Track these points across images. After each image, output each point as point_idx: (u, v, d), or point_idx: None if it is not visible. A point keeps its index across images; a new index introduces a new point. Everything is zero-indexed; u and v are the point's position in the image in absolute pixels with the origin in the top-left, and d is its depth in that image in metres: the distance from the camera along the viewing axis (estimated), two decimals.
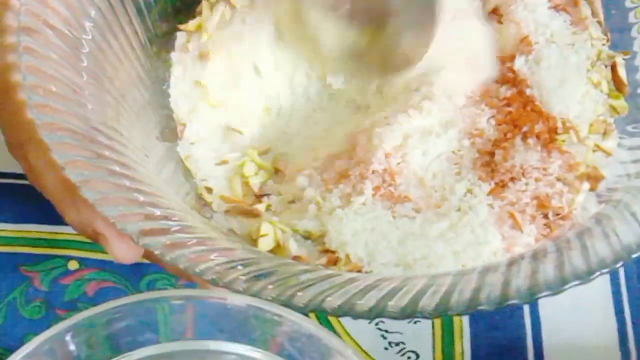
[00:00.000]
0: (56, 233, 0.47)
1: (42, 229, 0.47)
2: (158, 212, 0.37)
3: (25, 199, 0.48)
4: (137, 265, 0.45)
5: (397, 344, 0.44)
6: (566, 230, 0.38)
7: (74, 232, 0.46)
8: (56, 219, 0.46)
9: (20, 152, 0.40)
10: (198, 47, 0.47)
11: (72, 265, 0.46)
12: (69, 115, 0.39)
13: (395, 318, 0.33)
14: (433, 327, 0.44)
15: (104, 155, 0.38)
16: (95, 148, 0.38)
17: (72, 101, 0.39)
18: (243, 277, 0.34)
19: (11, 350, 0.36)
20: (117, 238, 0.37)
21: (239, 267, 0.34)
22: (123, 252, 0.38)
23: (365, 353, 0.44)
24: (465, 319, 0.45)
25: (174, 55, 0.47)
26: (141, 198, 0.37)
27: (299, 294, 0.33)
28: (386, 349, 0.44)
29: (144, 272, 0.46)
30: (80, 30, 0.42)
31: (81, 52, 0.42)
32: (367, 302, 0.33)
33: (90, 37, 0.43)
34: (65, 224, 0.46)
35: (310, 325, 0.33)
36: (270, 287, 0.33)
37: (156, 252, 0.34)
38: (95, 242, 0.39)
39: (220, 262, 0.34)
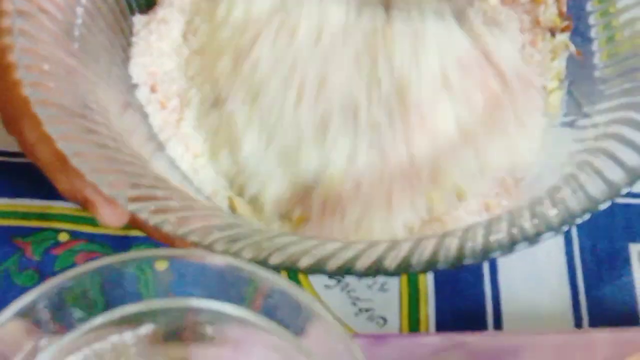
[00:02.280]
0: (47, 207, 0.50)
1: (34, 204, 0.50)
2: (144, 181, 0.40)
3: (18, 176, 0.51)
4: (124, 237, 0.49)
5: (367, 310, 0.47)
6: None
7: (64, 206, 0.50)
8: (47, 194, 0.50)
9: (16, 127, 0.43)
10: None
11: (63, 237, 0.49)
12: (61, 93, 0.42)
13: (361, 276, 0.36)
14: (400, 294, 0.47)
15: (94, 129, 0.41)
16: (85, 123, 0.41)
17: (64, 80, 0.42)
18: (222, 240, 0.37)
19: None
20: (105, 204, 0.40)
21: (218, 231, 0.37)
22: (110, 217, 0.41)
23: (338, 318, 0.47)
24: (431, 288, 0.48)
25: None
26: (128, 169, 0.40)
27: (274, 254, 0.36)
28: (356, 314, 0.47)
29: (131, 244, 0.49)
30: (72, 14, 0.45)
31: (73, 35, 0.45)
32: (336, 262, 0.36)
33: (80, 21, 0.46)
34: (56, 199, 0.49)
35: (283, 282, 0.36)
36: (247, 248, 0.36)
37: (141, 217, 0.37)
38: (84, 208, 0.42)
39: (201, 226, 0.37)
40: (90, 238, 0.49)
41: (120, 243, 0.49)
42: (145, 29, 0.48)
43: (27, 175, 0.50)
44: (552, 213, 0.37)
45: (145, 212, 0.37)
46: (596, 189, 0.38)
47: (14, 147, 0.49)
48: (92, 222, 0.49)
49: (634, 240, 0.49)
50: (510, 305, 0.47)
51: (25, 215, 0.50)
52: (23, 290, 0.47)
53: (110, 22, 0.48)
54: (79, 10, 0.46)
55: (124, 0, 0.49)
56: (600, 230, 0.49)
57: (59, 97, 0.41)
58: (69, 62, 0.44)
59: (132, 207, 0.37)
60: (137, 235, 0.48)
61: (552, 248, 0.48)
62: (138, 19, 0.49)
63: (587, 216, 0.37)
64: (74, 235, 0.49)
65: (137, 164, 0.41)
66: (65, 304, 0.37)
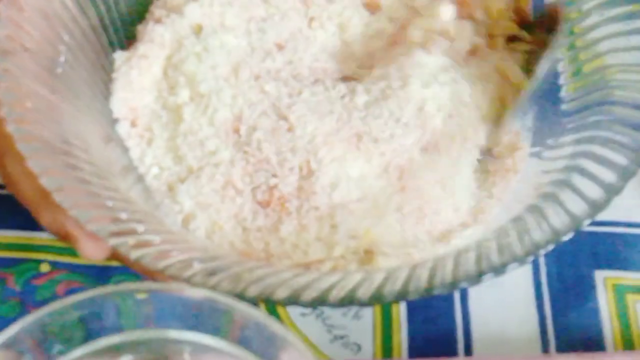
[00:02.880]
0: (29, 238, 0.51)
1: (16, 235, 0.51)
2: (125, 216, 0.41)
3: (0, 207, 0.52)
4: (104, 268, 0.50)
5: (341, 337, 0.48)
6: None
7: (45, 237, 0.51)
8: (29, 226, 0.51)
9: (1, 163, 0.44)
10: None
11: (44, 267, 0.50)
12: (43, 129, 0.43)
13: (335, 307, 0.37)
14: (374, 321, 0.49)
15: (75, 165, 0.42)
16: (67, 159, 0.42)
17: (46, 116, 0.44)
18: (200, 273, 0.38)
19: None
20: (86, 238, 0.41)
21: (197, 264, 0.39)
22: (92, 251, 0.42)
23: (314, 346, 0.48)
24: (403, 315, 0.49)
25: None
26: (109, 203, 0.41)
27: (250, 287, 0.37)
28: (331, 341, 0.48)
29: (111, 274, 0.50)
30: (54, 52, 0.47)
31: (55, 72, 0.46)
32: (310, 293, 0.37)
33: (63, 58, 0.47)
34: (38, 230, 0.50)
35: (257, 314, 0.37)
36: (224, 281, 0.38)
37: (122, 251, 0.38)
38: (66, 242, 0.43)
39: (180, 259, 0.39)
40: (71, 268, 0.50)
41: (100, 273, 0.50)
42: (126, 65, 0.50)
43: (8, 207, 0.51)
44: (517, 245, 0.39)
45: (126, 247, 0.38)
46: (559, 221, 0.39)
47: None
48: (73, 252, 0.50)
49: (599, 267, 0.51)
50: (480, 331, 0.48)
51: (7, 246, 0.51)
52: (5, 320, 0.48)
53: (92, 59, 0.49)
54: (62, 48, 0.47)
55: (105, 37, 0.51)
56: (567, 257, 0.51)
57: (41, 133, 0.42)
58: (50, 99, 0.45)
59: (113, 241, 0.39)
60: (118, 266, 0.49)
61: (520, 275, 0.50)
62: (119, 55, 0.50)
63: (550, 247, 0.39)
64: (55, 265, 0.50)
65: (118, 198, 0.43)
66: (47, 336, 0.38)
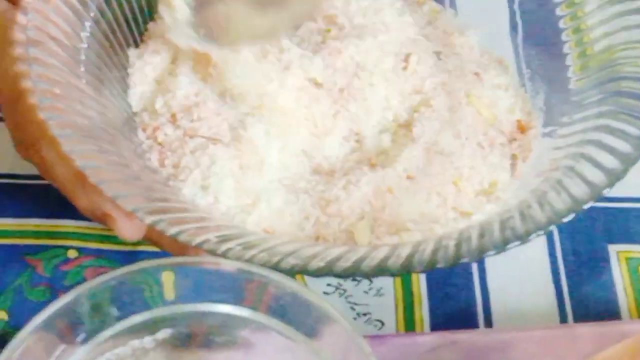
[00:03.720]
0: (55, 225, 0.52)
1: (43, 223, 0.52)
2: (157, 195, 0.42)
3: (26, 197, 0.53)
4: (132, 252, 0.51)
5: (364, 314, 0.50)
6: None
7: (72, 224, 0.52)
8: (56, 214, 0.52)
9: (33, 149, 0.45)
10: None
11: (72, 253, 0.51)
12: (73, 114, 0.44)
13: (367, 277, 0.39)
14: (395, 298, 0.50)
15: (107, 149, 0.44)
16: (98, 142, 0.44)
17: (75, 102, 0.45)
18: (236, 247, 0.39)
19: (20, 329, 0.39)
20: (123, 218, 0.43)
21: (232, 240, 0.40)
22: (128, 230, 0.43)
23: None
24: (424, 291, 0.50)
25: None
26: (140, 184, 0.43)
27: (286, 259, 0.39)
28: (355, 319, 0.49)
29: (138, 259, 0.51)
30: (77, 40, 0.48)
31: (80, 59, 0.47)
32: (343, 264, 0.39)
33: (86, 45, 0.48)
34: (64, 217, 0.52)
35: (295, 285, 0.38)
36: (260, 254, 0.39)
37: (159, 228, 0.40)
38: (103, 223, 0.44)
39: (216, 235, 0.40)
40: (99, 254, 0.51)
41: (128, 258, 0.51)
42: (140, 61, 0.51)
43: (34, 196, 0.52)
44: (539, 214, 0.40)
45: (163, 224, 0.40)
46: (579, 190, 0.41)
47: (21, 169, 0.52)
48: (100, 238, 0.51)
49: (612, 241, 0.52)
50: (499, 304, 0.50)
51: (35, 234, 0.52)
52: (36, 305, 0.49)
53: (111, 50, 0.51)
54: (84, 35, 0.49)
55: (121, 33, 0.52)
56: (581, 233, 0.52)
57: (72, 119, 0.44)
58: (77, 84, 0.46)
59: (150, 219, 0.40)
60: (145, 250, 0.50)
61: (536, 251, 0.51)
62: (132, 52, 0.52)
63: (571, 216, 0.40)
64: (83, 251, 0.51)
65: (148, 179, 0.44)
66: (79, 317, 0.39)
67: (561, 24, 0.54)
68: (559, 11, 0.55)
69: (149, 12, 0.54)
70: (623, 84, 0.47)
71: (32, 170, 0.49)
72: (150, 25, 0.53)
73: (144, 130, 0.49)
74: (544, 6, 0.55)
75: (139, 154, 0.48)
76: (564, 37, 0.54)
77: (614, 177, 0.41)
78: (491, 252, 0.39)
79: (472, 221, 0.45)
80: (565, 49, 0.54)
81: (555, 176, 0.44)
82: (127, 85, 0.51)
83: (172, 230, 0.39)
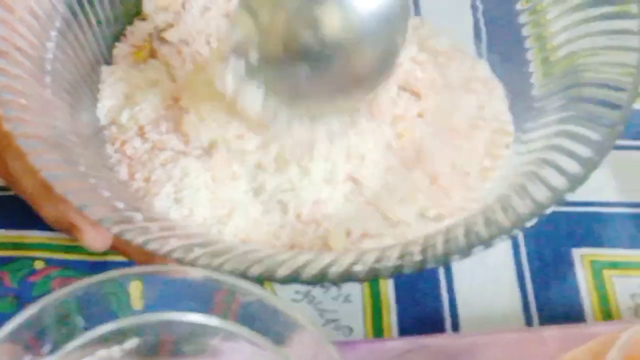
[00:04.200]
0: (22, 237, 0.52)
1: (8, 234, 0.52)
2: (121, 205, 0.42)
3: None
4: (99, 263, 0.51)
5: (333, 321, 0.50)
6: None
7: (38, 235, 0.52)
8: (21, 224, 0.52)
9: (1, 162, 0.45)
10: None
11: (38, 264, 0.51)
12: (39, 125, 0.44)
13: (334, 283, 0.39)
14: (364, 305, 0.50)
15: (72, 159, 0.44)
16: (64, 153, 0.44)
17: (41, 112, 0.45)
18: (204, 255, 0.39)
19: None
20: (89, 228, 0.43)
21: (199, 248, 0.40)
22: (94, 240, 0.43)
23: None
24: (392, 297, 0.50)
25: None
26: (106, 194, 0.43)
27: (253, 266, 0.39)
28: (323, 325, 0.50)
29: (107, 268, 0.50)
30: (43, 50, 0.48)
31: (45, 69, 0.47)
32: (310, 271, 0.39)
33: (52, 56, 0.48)
34: (30, 228, 0.51)
35: (263, 292, 0.38)
36: (227, 262, 0.39)
37: (126, 238, 0.40)
38: (69, 233, 0.44)
39: (183, 244, 0.40)
40: (66, 264, 0.51)
41: (95, 268, 0.50)
42: (111, 77, 0.51)
43: (1, 208, 0.52)
44: (503, 219, 0.41)
45: (130, 233, 0.40)
46: (542, 195, 0.42)
47: None
48: (66, 249, 0.51)
49: (575, 245, 0.53)
50: (465, 309, 0.50)
51: (1, 245, 0.51)
52: (3, 316, 0.49)
53: (77, 66, 0.51)
54: (49, 45, 0.49)
55: (88, 48, 0.52)
56: (545, 237, 0.53)
57: (38, 129, 0.44)
58: (43, 95, 0.46)
59: (116, 229, 0.40)
60: (113, 260, 0.50)
61: (501, 255, 0.52)
62: (105, 69, 0.52)
63: (534, 220, 0.41)
64: (49, 262, 0.51)
65: (113, 189, 0.44)
66: (45, 328, 0.38)
67: (524, 31, 0.55)
68: (522, 19, 0.56)
69: (116, 34, 0.54)
70: (585, 90, 0.48)
71: None
72: (119, 45, 0.54)
73: (112, 143, 0.49)
74: (507, 13, 0.56)
75: (108, 167, 0.48)
76: (527, 44, 0.55)
77: (576, 182, 0.42)
78: (456, 257, 0.40)
79: (439, 226, 0.45)
80: (529, 55, 0.55)
81: (518, 181, 0.45)
82: (97, 99, 0.51)
83: (138, 239, 0.40)
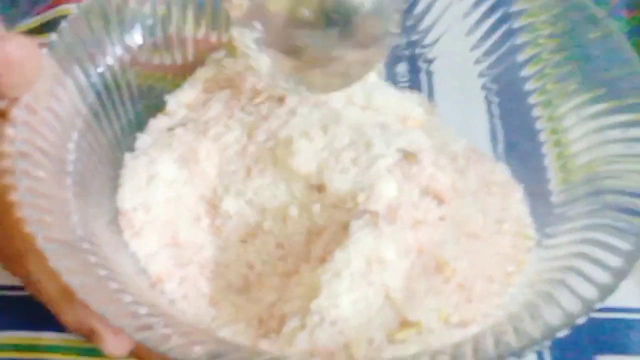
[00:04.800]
0: (36, 339, 0.51)
1: (23, 335, 0.51)
2: (143, 311, 0.42)
3: (6, 309, 0.52)
4: None
5: None
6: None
7: (52, 337, 0.51)
8: (36, 325, 0.51)
9: (18, 262, 0.44)
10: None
11: None
12: (59, 227, 0.44)
13: None
14: None
15: (92, 262, 0.43)
16: (84, 256, 0.43)
17: (61, 214, 0.45)
18: None
19: None
20: (109, 334, 0.42)
21: (224, 356, 0.39)
22: (115, 347, 0.42)
23: None
24: None
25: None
26: (128, 299, 0.42)
27: None
28: None
29: None
30: (64, 150, 0.48)
31: (66, 171, 0.47)
32: None
33: (73, 157, 0.48)
34: (45, 330, 0.50)
35: None
36: None
37: (149, 345, 0.39)
38: (89, 339, 0.43)
39: (208, 351, 0.39)
40: None
41: None
42: (134, 162, 0.51)
43: (15, 308, 0.51)
44: (533, 329, 0.40)
45: (152, 341, 0.39)
46: (572, 305, 0.41)
47: (3, 280, 0.51)
48: (81, 352, 0.50)
49: (600, 351, 0.52)
50: None
51: (15, 347, 0.50)
52: None
53: (96, 162, 0.51)
54: (70, 146, 0.49)
55: (110, 149, 0.52)
56: (569, 344, 0.52)
57: (59, 233, 0.43)
58: (63, 196, 0.46)
59: (139, 336, 0.39)
60: None
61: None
62: (128, 156, 0.52)
63: (565, 331, 0.40)
64: None
65: (135, 293, 0.43)
66: None
67: (542, 137, 0.55)
68: (538, 125, 0.56)
69: (138, 121, 0.55)
70: (608, 197, 0.48)
71: (13, 281, 0.48)
72: (141, 137, 0.54)
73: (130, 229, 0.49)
74: (524, 119, 0.56)
75: (125, 255, 0.48)
76: (544, 150, 0.55)
77: (607, 292, 0.41)
78: None
79: (466, 333, 0.44)
80: (547, 161, 0.55)
81: (545, 289, 0.44)
82: (116, 186, 0.51)
83: (162, 348, 0.39)
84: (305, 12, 0.47)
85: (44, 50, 0.48)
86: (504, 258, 0.49)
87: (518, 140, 0.57)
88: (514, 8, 0.58)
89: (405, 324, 0.45)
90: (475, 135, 0.58)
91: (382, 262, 0.48)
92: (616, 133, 0.51)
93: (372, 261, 0.47)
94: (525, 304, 0.44)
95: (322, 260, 0.47)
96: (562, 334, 0.40)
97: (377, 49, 0.51)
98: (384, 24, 0.49)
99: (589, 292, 0.41)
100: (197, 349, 0.39)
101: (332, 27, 0.48)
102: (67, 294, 0.41)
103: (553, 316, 0.41)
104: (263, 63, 0.51)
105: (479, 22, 0.59)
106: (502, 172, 0.55)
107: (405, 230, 0.49)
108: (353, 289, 0.46)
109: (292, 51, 0.49)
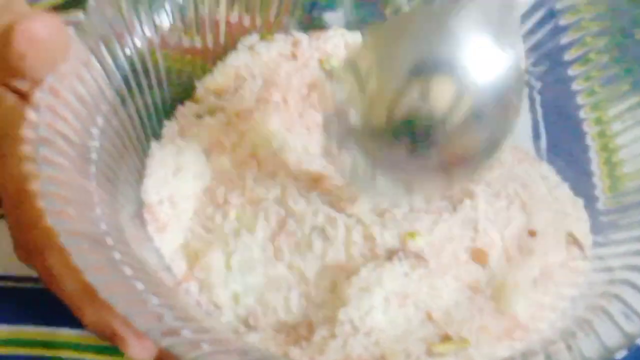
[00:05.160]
0: (51, 334, 0.48)
1: (37, 330, 0.48)
2: (170, 314, 0.39)
3: (20, 301, 0.49)
4: None
5: None
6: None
7: (68, 333, 0.48)
8: (50, 320, 0.48)
9: (37, 256, 0.42)
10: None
11: None
12: (82, 220, 0.41)
13: None
14: None
15: (118, 259, 0.40)
16: (109, 252, 0.40)
17: (84, 206, 0.42)
18: None
19: None
20: (133, 338, 0.39)
21: None
22: (140, 352, 0.40)
23: None
24: None
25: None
26: (155, 301, 0.39)
27: None
28: None
29: None
30: (88, 136, 0.45)
31: (91, 159, 0.44)
32: None
33: (98, 144, 0.45)
34: (61, 325, 0.48)
35: None
36: None
37: (176, 352, 0.36)
38: (111, 342, 0.40)
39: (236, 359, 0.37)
40: None
41: None
42: (160, 152, 0.49)
43: (29, 301, 0.49)
44: (587, 345, 0.38)
45: (180, 348, 0.36)
46: (610, 337, 0.38)
47: (17, 271, 0.49)
48: (97, 349, 0.48)
49: None
50: None
51: (28, 343, 0.48)
52: None
53: (126, 143, 0.48)
54: (94, 132, 0.46)
55: (140, 124, 0.49)
56: None
57: (82, 226, 0.40)
58: (85, 186, 0.43)
59: (165, 342, 0.36)
60: None
61: None
62: (155, 145, 0.49)
63: (624, 350, 0.37)
64: None
65: (161, 294, 0.40)
66: None
67: (588, 141, 0.53)
68: (585, 127, 0.53)
69: (165, 107, 0.52)
70: None
71: (28, 271, 0.45)
72: (168, 124, 0.51)
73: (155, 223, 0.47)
74: (570, 120, 0.54)
75: (149, 251, 0.45)
76: (591, 154, 0.52)
77: None
78: None
79: (513, 348, 0.42)
80: (593, 167, 0.52)
81: (600, 303, 0.41)
82: (141, 176, 0.48)
83: (189, 356, 0.36)
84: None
85: (71, 30, 0.45)
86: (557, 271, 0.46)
87: (562, 142, 0.54)
88: (560, 5, 0.55)
89: (447, 338, 0.42)
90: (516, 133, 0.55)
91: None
92: None
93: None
94: (578, 319, 0.41)
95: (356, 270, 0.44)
96: (619, 354, 0.37)
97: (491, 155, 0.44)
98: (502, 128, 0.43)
99: (632, 326, 0.38)
100: (227, 358, 0.36)
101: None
102: (89, 292, 0.39)
103: (608, 334, 0.38)
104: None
105: (524, 17, 0.56)
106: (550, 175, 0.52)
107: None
108: (387, 306, 0.44)
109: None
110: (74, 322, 0.43)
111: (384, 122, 0.41)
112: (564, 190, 0.50)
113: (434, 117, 0.41)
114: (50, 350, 0.48)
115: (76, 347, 0.48)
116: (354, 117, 0.42)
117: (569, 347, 0.38)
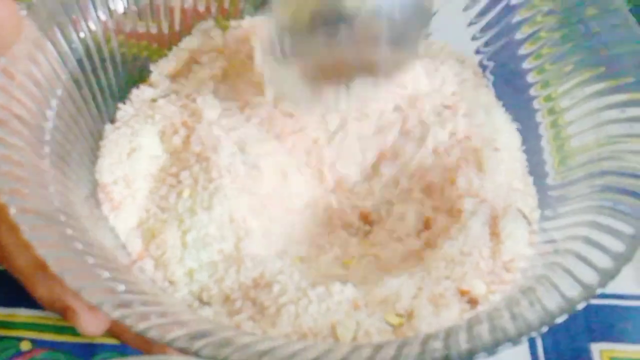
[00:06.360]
0: (9, 315, 0.49)
1: None
2: (122, 287, 0.40)
3: None
4: (87, 345, 0.48)
5: None
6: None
7: (25, 314, 0.49)
8: (8, 301, 0.49)
9: None
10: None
11: (25, 345, 0.48)
12: (35, 198, 0.41)
13: None
14: None
15: (69, 235, 0.41)
16: (61, 228, 0.41)
17: (37, 184, 0.42)
18: (210, 346, 0.36)
19: None
20: (85, 311, 0.40)
21: (204, 338, 0.37)
22: (91, 325, 0.40)
23: None
24: None
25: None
26: (106, 274, 0.40)
27: (235, 354, 0.36)
28: None
29: (95, 351, 0.48)
30: (43, 119, 0.45)
31: (44, 139, 0.45)
32: None
33: (51, 125, 0.46)
34: (18, 306, 0.48)
35: None
36: (235, 354, 0.36)
37: (127, 323, 0.37)
38: (64, 316, 0.41)
39: (187, 331, 0.37)
40: (53, 346, 0.48)
41: (84, 351, 0.48)
42: (115, 133, 0.49)
43: None
44: (530, 314, 0.38)
45: (130, 319, 0.37)
46: (572, 290, 0.39)
47: None
48: (55, 329, 0.48)
49: (594, 340, 0.50)
50: None
51: None
52: None
53: (76, 130, 0.48)
54: (49, 113, 0.46)
55: (95, 107, 0.50)
56: (562, 331, 0.50)
57: (34, 203, 0.41)
58: (39, 165, 0.44)
59: (117, 313, 0.37)
60: (102, 343, 0.47)
61: (518, 350, 0.49)
62: (109, 127, 0.50)
63: (564, 316, 0.38)
64: (37, 343, 0.48)
65: (112, 268, 0.41)
66: None
67: (538, 118, 0.53)
68: (535, 105, 0.54)
69: (120, 91, 0.52)
70: (608, 179, 0.46)
71: None
72: (123, 107, 0.52)
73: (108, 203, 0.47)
74: (521, 99, 0.54)
75: (104, 229, 0.45)
76: (540, 130, 0.53)
77: (608, 277, 0.39)
78: (481, 355, 0.37)
79: (458, 318, 0.43)
80: (543, 142, 0.53)
81: (544, 273, 0.42)
82: (96, 157, 0.49)
83: (140, 326, 0.37)
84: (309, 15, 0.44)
85: (23, 12, 0.45)
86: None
87: (514, 120, 0.55)
88: None
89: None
90: None
91: None
92: (615, 113, 0.49)
93: None
94: (522, 289, 0.42)
95: None
96: (560, 320, 0.38)
97: (409, 51, 0.48)
98: (414, 26, 0.46)
99: (590, 277, 0.40)
100: (177, 329, 0.37)
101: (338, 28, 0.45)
102: (41, 268, 0.39)
103: (551, 301, 0.39)
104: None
105: None
106: None
107: None
108: None
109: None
110: (31, 303, 0.44)
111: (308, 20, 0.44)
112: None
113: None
114: (7, 330, 0.48)
115: (34, 327, 0.48)
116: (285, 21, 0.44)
117: (513, 316, 0.39)
